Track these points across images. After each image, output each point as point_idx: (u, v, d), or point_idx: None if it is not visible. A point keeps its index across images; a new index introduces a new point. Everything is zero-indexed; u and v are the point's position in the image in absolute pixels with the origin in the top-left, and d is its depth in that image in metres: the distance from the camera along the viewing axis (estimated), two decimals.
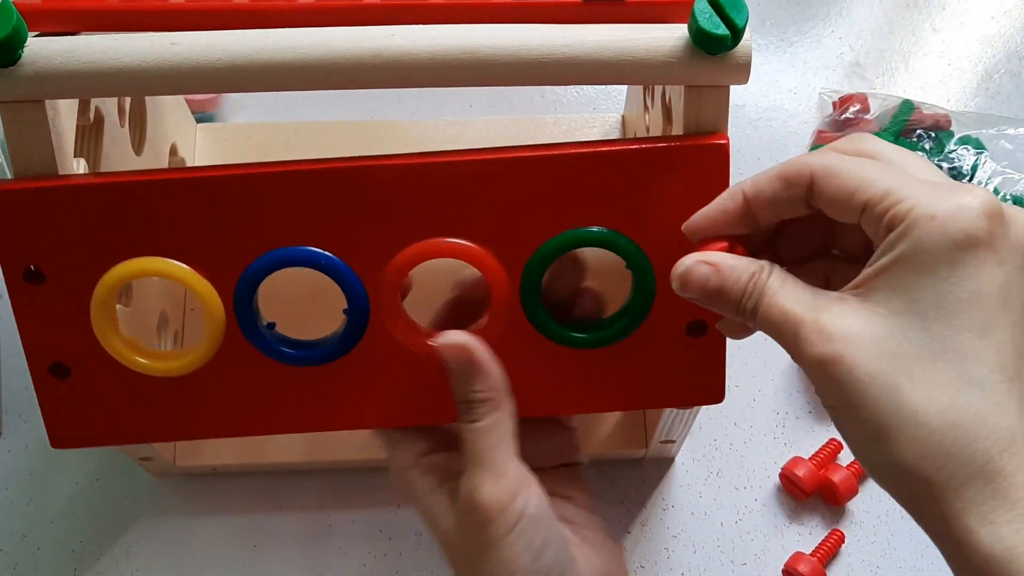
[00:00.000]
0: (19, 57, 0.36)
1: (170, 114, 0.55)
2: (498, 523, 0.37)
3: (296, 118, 0.64)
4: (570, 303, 0.42)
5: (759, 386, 0.60)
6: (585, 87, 0.70)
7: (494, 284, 0.39)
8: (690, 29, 0.37)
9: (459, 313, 0.42)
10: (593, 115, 0.62)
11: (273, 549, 0.56)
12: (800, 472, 0.55)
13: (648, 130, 0.51)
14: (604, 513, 0.43)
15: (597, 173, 0.39)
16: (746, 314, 0.35)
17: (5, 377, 0.60)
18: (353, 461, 0.56)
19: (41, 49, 0.36)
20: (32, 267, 0.38)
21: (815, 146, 0.67)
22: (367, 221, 0.39)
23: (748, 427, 0.59)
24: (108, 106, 0.45)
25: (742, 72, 0.37)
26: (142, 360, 0.40)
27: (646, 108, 0.52)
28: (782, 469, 0.57)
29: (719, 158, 0.38)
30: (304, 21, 0.38)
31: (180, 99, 0.58)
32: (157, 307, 0.51)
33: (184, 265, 0.39)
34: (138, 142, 0.50)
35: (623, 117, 0.62)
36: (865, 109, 0.68)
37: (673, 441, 0.54)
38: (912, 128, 0.65)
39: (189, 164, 0.58)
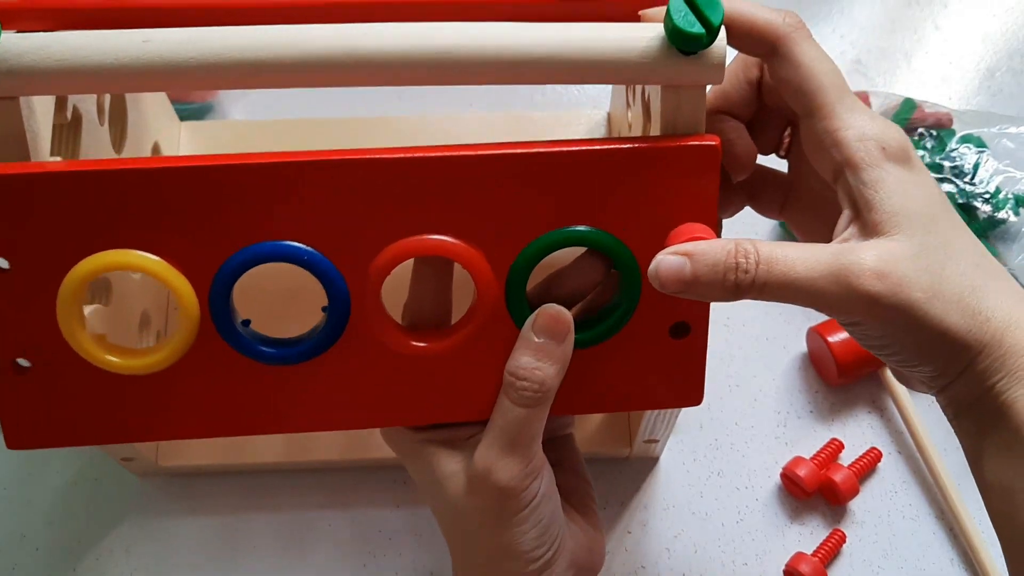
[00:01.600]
0: None
1: (152, 112, 0.55)
2: (516, 501, 0.39)
3: (293, 109, 0.64)
4: (574, 301, 0.42)
5: (760, 386, 0.60)
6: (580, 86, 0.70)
7: (479, 282, 0.39)
8: (665, 28, 0.36)
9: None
10: (579, 111, 0.62)
11: (255, 549, 0.56)
12: (801, 472, 0.55)
13: (630, 127, 0.51)
14: (591, 477, 0.47)
15: (587, 172, 0.38)
16: (742, 289, 0.35)
17: None
18: (338, 461, 0.56)
19: (13, 46, 0.35)
20: None
21: None
22: (349, 216, 0.38)
23: (749, 427, 0.59)
24: (87, 104, 0.44)
25: (718, 71, 0.37)
26: (110, 358, 0.39)
27: (628, 105, 0.52)
28: (783, 469, 0.57)
29: (710, 159, 0.38)
30: (280, 18, 0.37)
31: (163, 96, 0.57)
32: (138, 306, 0.49)
33: (157, 258, 0.38)
34: (118, 141, 0.49)
35: (608, 115, 0.61)
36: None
37: (656, 440, 0.54)
38: (914, 127, 0.65)
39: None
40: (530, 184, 0.38)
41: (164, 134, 0.56)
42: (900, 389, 0.58)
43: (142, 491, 0.57)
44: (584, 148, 0.38)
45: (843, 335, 0.58)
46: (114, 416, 0.40)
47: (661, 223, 0.38)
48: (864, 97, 0.68)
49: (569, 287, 0.41)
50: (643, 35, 0.37)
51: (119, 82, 0.36)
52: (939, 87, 0.72)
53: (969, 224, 0.61)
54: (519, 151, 0.38)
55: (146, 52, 0.36)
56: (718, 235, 0.38)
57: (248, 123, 0.61)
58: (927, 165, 0.62)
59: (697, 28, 0.35)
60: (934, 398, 0.38)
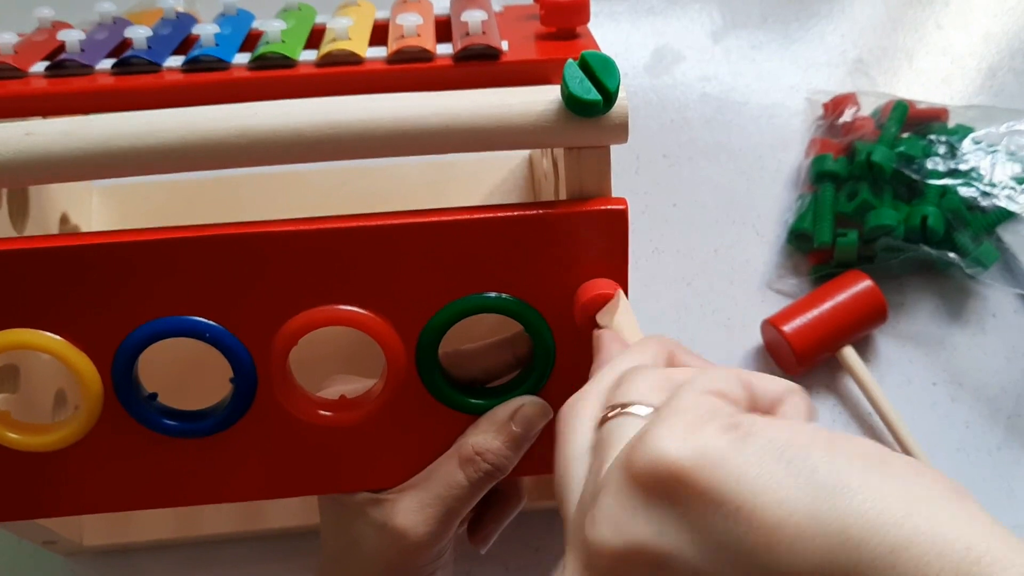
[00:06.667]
0: None
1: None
2: (428, 555, 0.40)
3: None
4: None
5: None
6: None
7: (387, 352, 0.38)
8: (562, 95, 0.35)
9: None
10: (500, 154, 0.59)
11: None
12: None
13: (546, 176, 0.50)
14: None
15: (494, 239, 0.38)
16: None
17: None
18: (296, 527, 0.54)
19: None
20: None
21: (817, 156, 0.65)
22: (251, 289, 0.38)
23: None
24: None
25: (620, 132, 0.36)
26: (11, 435, 0.38)
27: (543, 153, 0.51)
28: None
29: (618, 222, 0.38)
30: (167, 100, 0.37)
31: None
32: (52, 387, 0.47)
33: (57, 337, 0.37)
34: (19, 218, 0.47)
35: (530, 156, 0.60)
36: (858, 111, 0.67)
37: None
38: (912, 124, 0.64)
39: (84, 231, 0.55)
40: (436, 252, 0.38)
41: (74, 202, 0.54)
42: (861, 370, 0.58)
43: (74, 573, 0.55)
44: (489, 216, 0.37)
45: (798, 323, 0.58)
46: (21, 492, 0.40)
47: (572, 286, 0.38)
48: (853, 98, 0.67)
49: (482, 365, 0.41)
50: (541, 99, 0.36)
51: (3, 178, 0.35)
52: (940, 87, 0.71)
53: (982, 218, 0.60)
54: (422, 221, 0.37)
55: (30, 146, 0.35)
56: (626, 293, 0.38)
57: (162, 184, 0.57)
58: (941, 173, 0.61)
59: (593, 95, 0.35)
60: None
